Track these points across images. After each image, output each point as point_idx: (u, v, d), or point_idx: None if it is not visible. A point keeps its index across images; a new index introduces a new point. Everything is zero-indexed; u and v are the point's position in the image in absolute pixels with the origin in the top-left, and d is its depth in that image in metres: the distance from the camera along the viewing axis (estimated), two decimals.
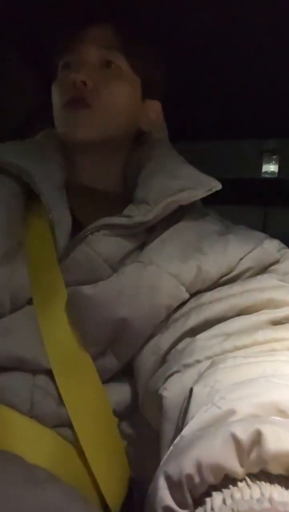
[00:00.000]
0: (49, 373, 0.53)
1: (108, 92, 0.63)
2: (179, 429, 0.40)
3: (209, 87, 0.86)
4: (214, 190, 0.61)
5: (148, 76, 0.67)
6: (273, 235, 0.62)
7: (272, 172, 1.06)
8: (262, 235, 0.61)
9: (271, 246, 0.58)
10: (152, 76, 0.68)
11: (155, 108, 0.70)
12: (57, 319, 0.55)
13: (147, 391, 0.51)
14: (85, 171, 0.67)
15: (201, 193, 0.61)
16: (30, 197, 0.62)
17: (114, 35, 0.64)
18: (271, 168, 1.06)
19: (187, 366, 0.46)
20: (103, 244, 0.58)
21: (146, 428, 0.52)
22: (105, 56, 0.64)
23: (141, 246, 0.60)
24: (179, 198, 0.60)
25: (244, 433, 0.30)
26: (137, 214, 0.59)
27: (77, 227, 0.60)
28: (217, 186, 0.62)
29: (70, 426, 0.52)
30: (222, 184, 0.62)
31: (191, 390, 0.40)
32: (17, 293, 0.56)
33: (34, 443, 0.50)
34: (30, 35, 0.77)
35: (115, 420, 0.55)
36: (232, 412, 0.34)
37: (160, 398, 0.46)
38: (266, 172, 1.07)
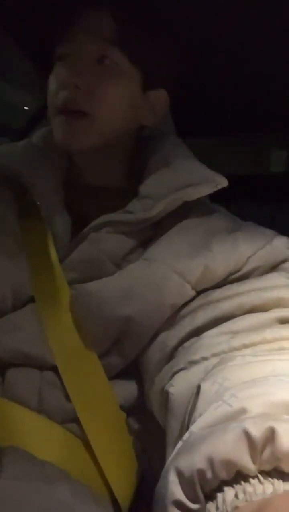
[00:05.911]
0: (56, 369, 0.53)
1: (104, 93, 0.59)
2: (185, 425, 0.40)
3: (216, 82, 0.85)
4: (219, 187, 0.60)
5: (148, 66, 0.61)
6: (282, 232, 0.61)
7: (281, 168, 1.06)
8: (271, 232, 0.60)
9: (280, 244, 0.57)
10: (153, 65, 0.62)
11: (159, 98, 0.65)
12: (60, 317, 0.55)
13: (153, 387, 0.51)
14: (88, 171, 0.66)
15: (206, 190, 0.60)
16: (27, 199, 0.62)
17: (110, 25, 0.59)
18: (279, 163, 1.05)
19: (193, 363, 0.46)
20: (107, 242, 0.58)
21: (153, 423, 0.52)
22: (100, 50, 0.59)
23: (146, 242, 0.60)
24: (182, 195, 0.59)
25: (257, 430, 0.30)
26: (140, 210, 0.58)
27: (81, 225, 0.60)
28: (222, 182, 0.60)
29: (78, 421, 0.52)
30: (230, 181, 0.61)
31: (199, 387, 0.40)
32: (19, 290, 0.56)
33: (44, 439, 0.51)
34: (27, 26, 0.73)
35: (123, 415, 0.55)
36: (243, 411, 0.33)
37: (166, 394, 0.46)
38: (274, 168, 1.06)
